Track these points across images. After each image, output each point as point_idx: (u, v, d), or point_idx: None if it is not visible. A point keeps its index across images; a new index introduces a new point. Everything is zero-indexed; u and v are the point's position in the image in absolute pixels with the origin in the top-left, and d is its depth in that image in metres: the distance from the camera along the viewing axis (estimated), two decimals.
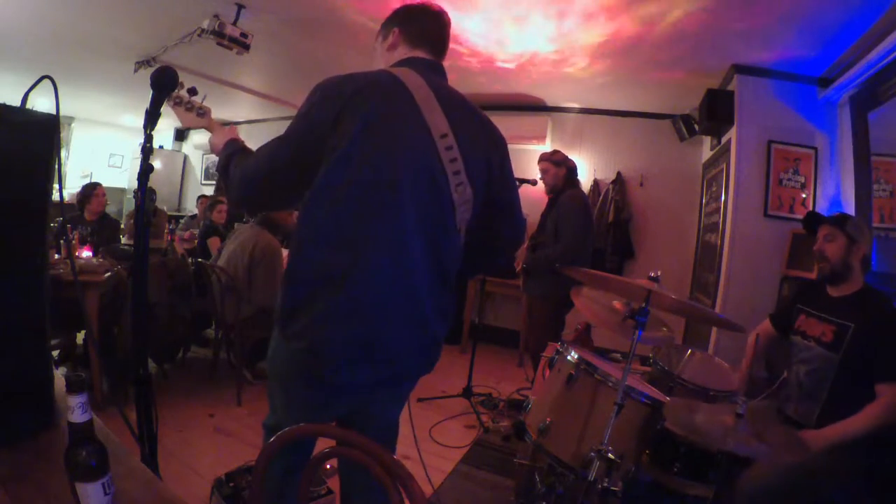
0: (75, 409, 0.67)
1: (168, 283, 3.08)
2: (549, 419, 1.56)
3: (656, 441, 1.64)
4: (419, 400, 3.18)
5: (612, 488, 1.35)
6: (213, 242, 4.12)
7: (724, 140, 3.53)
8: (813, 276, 1.81)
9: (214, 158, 1.25)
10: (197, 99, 1.32)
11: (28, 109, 0.94)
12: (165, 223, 5.01)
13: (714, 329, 3.27)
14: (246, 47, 3.29)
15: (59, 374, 1.00)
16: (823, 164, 3.07)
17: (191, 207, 7.43)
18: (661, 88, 3.88)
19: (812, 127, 3.09)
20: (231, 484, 1.66)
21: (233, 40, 3.21)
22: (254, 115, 6.51)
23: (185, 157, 8.17)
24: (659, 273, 1.50)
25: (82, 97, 6.20)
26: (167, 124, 7.89)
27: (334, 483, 1.55)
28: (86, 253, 3.08)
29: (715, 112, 3.30)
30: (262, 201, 1.20)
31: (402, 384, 1.22)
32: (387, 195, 1.01)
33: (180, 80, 1.23)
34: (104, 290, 2.61)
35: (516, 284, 3.41)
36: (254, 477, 0.80)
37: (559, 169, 2.96)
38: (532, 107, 4.80)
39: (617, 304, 1.71)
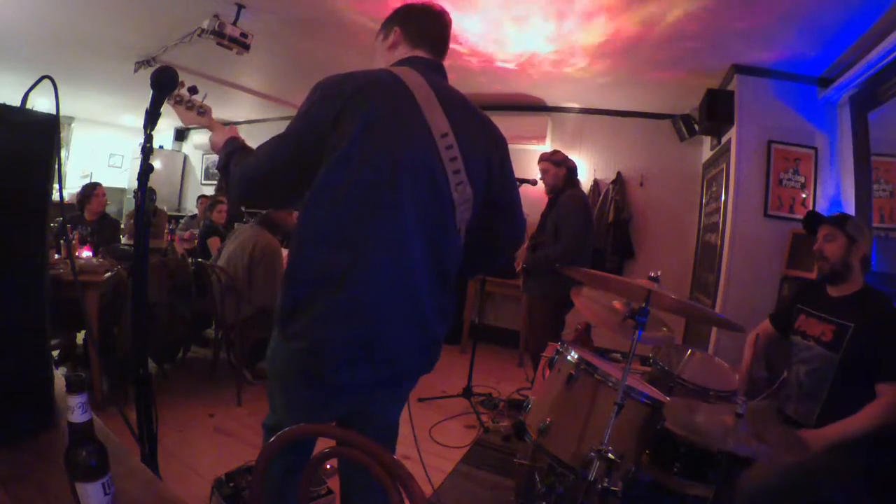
0: (75, 409, 0.67)
1: (168, 283, 3.09)
2: (549, 419, 1.56)
3: (656, 441, 1.64)
4: (419, 400, 3.18)
5: (612, 488, 1.35)
6: (213, 242, 4.12)
7: (724, 140, 3.53)
8: (813, 276, 1.81)
9: (214, 158, 1.25)
10: (197, 98, 1.32)
11: (28, 109, 0.94)
12: (165, 223, 5.01)
13: (714, 329, 3.27)
14: (246, 47, 3.29)
15: (59, 374, 1.00)
16: (823, 164, 3.07)
17: (191, 207, 7.43)
18: (661, 88, 3.88)
19: (812, 127, 3.09)
20: (231, 484, 1.66)
21: (233, 40, 3.21)
22: (254, 115, 6.52)
23: (185, 157, 8.17)
24: (659, 273, 1.50)
25: (82, 97, 6.20)
26: (167, 124, 7.89)
27: (334, 483, 1.55)
28: (86, 253, 3.08)
29: (715, 112, 3.30)
30: (261, 200, 1.21)
31: (402, 384, 1.22)
32: (387, 195, 1.01)
33: (180, 79, 1.23)
34: (104, 290, 2.61)
35: (516, 284, 3.41)
36: (254, 477, 0.80)
37: (559, 169, 2.96)
38: (532, 107, 4.80)
39: (617, 304, 1.71)
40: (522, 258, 2.94)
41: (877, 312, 1.58)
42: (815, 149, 3.07)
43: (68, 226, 3.25)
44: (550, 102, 4.73)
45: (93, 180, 4.15)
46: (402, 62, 1.16)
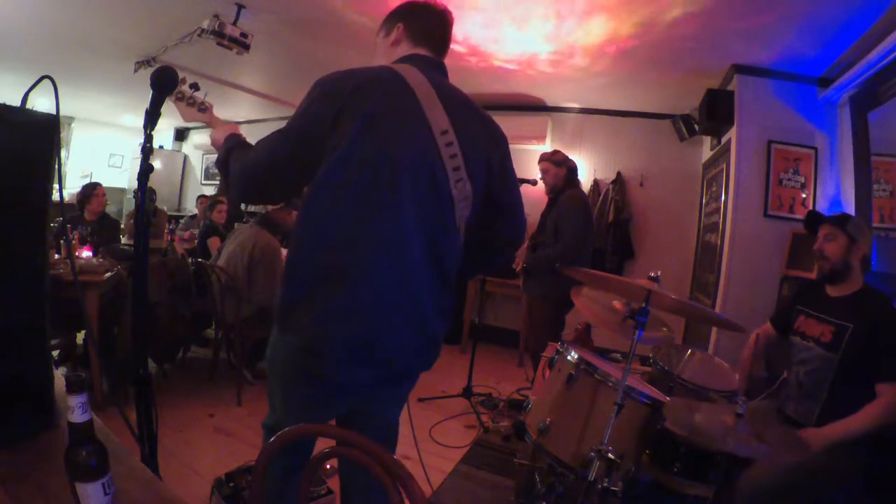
0: (75, 409, 0.67)
1: (168, 283, 3.09)
2: (549, 419, 1.56)
3: (656, 441, 1.64)
4: (419, 400, 3.18)
5: (612, 488, 1.35)
6: (213, 242, 4.12)
7: (724, 140, 3.53)
8: (813, 275, 1.81)
9: (214, 158, 1.25)
10: (199, 94, 1.32)
11: (28, 109, 0.94)
12: (165, 223, 5.01)
13: (714, 329, 3.27)
14: (246, 47, 3.29)
15: (59, 374, 1.00)
16: (823, 164, 3.07)
17: (191, 207, 7.43)
18: (661, 88, 3.88)
19: (812, 127, 3.09)
20: (231, 484, 1.66)
21: (233, 40, 3.21)
22: (254, 115, 6.52)
23: (185, 157, 8.17)
24: (659, 273, 1.50)
25: (82, 97, 6.20)
26: (167, 124, 7.90)
27: (334, 483, 1.55)
28: (86, 253, 3.08)
29: (715, 112, 3.30)
30: (261, 195, 1.20)
31: (402, 383, 1.22)
32: (387, 195, 1.00)
33: (181, 77, 1.23)
34: (104, 290, 2.61)
35: (516, 284, 3.41)
36: (254, 477, 0.80)
37: (559, 169, 2.96)
38: (532, 107, 4.80)
39: (617, 304, 1.71)
40: (522, 258, 2.94)
41: (876, 312, 1.58)
42: (815, 149, 3.07)
43: (68, 226, 3.25)
44: (550, 102, 4.73)
45: (93, 180, 4.15)
46: (403, 60, 1.16)
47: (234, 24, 3.20)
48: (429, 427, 2.84)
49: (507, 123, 1.38)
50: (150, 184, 1.15)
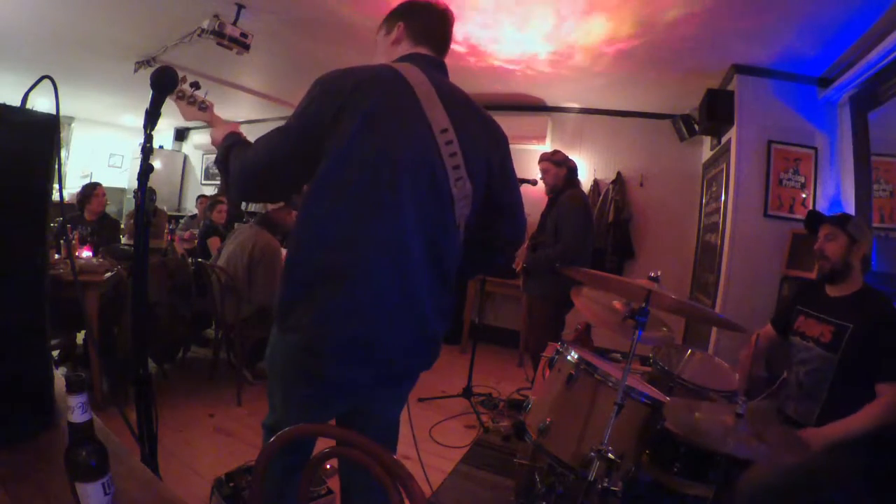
0: (75, 409, 0.67)
1: (168, 283, 3.09)
2: (549, 419, 1.56)
3: (656, 441, 1.64)
4: (419, 400, 3.18)
5: (612, 488, 1.35)
6: (213, 242, 4.12)
7: (724, 140, 3.53)
8: (813, 275, 1.81)
9: (214, 157, 1.25)
10: (200, 93, 1.32)
11: (28, 109, 0.94)
12: (165, 223, 5.01)
13: (714, 329, 3.27)
14: (246, 47, 3.29)
15: (59, 374, 1.00)
16: (823, 164, 3.07)
17: (191, 207, 7.43)
18: (661, 88, 3.88)
19: (812, 127, 3.09)
20: (231, 484, 1.66)
21: (233, 40, 3.21)
22: (254, 115, 6.52)
23: (185, 157, 8.17)
24: (659, 273, 1.49)
25: (82, 97, 6.20)
26: (167, 124, 7.90)
27: (334, 483, 1.55)
28: (86, 253, 3.08)
29: (715, 112, 3.30)
30: (260, 193, 1.20)
31: (402, 383, 1.22)
32: (387, 195, 1.00)
33: (182, 75, 1.23)
34: (104, 290, 2.61)
35: (516, 284, 3.41)
36: (254, 477, 0.80)
37: (559, 169, 2.96)
38: (532, 107, 4.80)
39: (617, 304, 1.71)
40: (522, 258, 2.94)
41: (876, 312, 1.58)
42: (815, 149, 3.07)
43: (68, 226, 3.25)
44: (550, 102, 4.73)
45: (93, 180, 4.15)
46: (403, 58, 1.16)
47: (234, 24, 3.20)
48: (429, 427, 2.84)
49: (507, 123, 1.38)
50: (150, 184, 1.15)
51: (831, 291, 1.73)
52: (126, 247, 3.57)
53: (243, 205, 3.87)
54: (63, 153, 7.18)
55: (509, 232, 1.26)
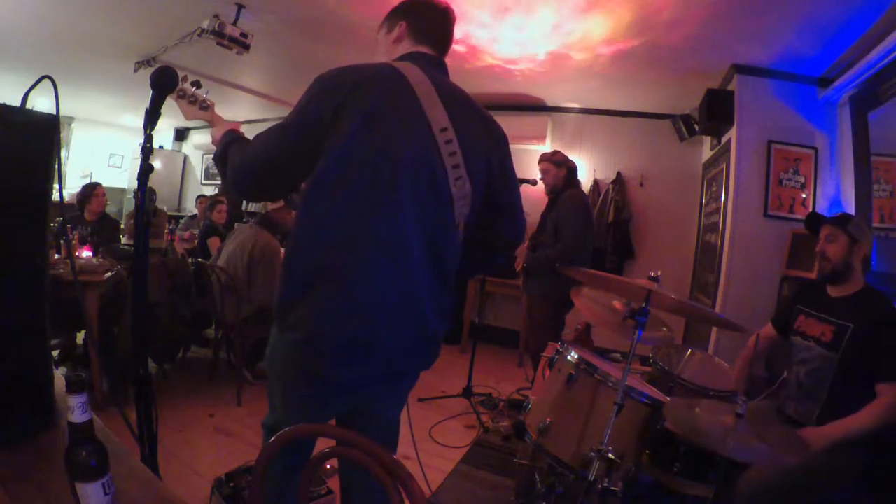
0: (75, 409, 0.67)
1: (168, 283, 3.09)
2: (549, 419, 1.56)
3: (656, 441, 1.64)
4: (419, 400, 3.18)
5: (612, 488, 1.35)
6: (213, 242, 4.12)
7: (724, 140, 3.53)
8: (813, 275, 1.81)
9: (213, 155, 1.25)
10: (200, 93, 1.32)
11: (28, 109, 0.93)
12: (165, 223, 5.01)
13: (714, 329, 3.27)
14: (246, 47, 3.29)
15: (59, 374, 1.00)
16: (823, 164, 3.07)
17: (191, 207, 7.42)
18: (661, 88, 3.88)
19: (812, 127, 3.09)
20: (231, 484, 1.66)
21: (233, 40, 3.21)
22: (254, 115, 6.52)
23: (185, 157, 8.17)
24: (659, 273, 1.49)
25: (82, 97, 6.20)
26: (167, 124, 7.90)
27: (334, 483, 1.55)
28: (86, 253, 3.08)
29: (715, 112, 3.30)
30: (259, 190, 1.19)
31: (402, 383, 1.22)
32: (387, 195, 1.00)
33: (183, 75, 1.23)
34: (104, 290, 2.61)
35: (516, 284, 3.40)
36: (254, 477, 0.80)
37: (559, 169, 2.96)
38: (532, 107, 4.80)
39: (617, 304, 1.71)
40: (522, 258, 2.94)
41: (876, 313, 1.58)
42: (815, 149, 3.07)
43: (68, 226, 3.25)
44: (550, 102, 4.73)
45: (93, 180, 4.15)
46: (404, 57, 1.16)
47: (234, 24, 3.20)
48: (429, 427, 2.84)
49: (507, 123, 1.37)
50: (150, 184, 1.15)
51: (832, 291, 1.73)
52: (126, 247, 3.57)
53: (243, 205, 3.86)
54: (63, 153, 7.18)
55: (509, 232, 1.27)
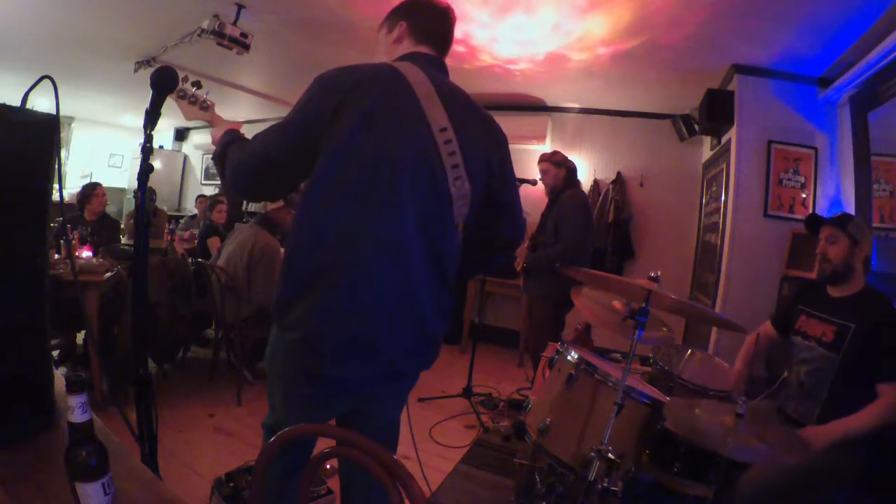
0: (75, 409, 0.67)
1: (168, 283, 3.09)
2: (549, 419, 1.56)
3: (656, 441, 1.64)
4: (419, 400, 3.18)
5: (612, 488, 1.35)
6: (213, 242, 4.12)
7: (724, 140, 3.53)
8: (813, 275, 1.81)
9: (212, 154, 1.25)
10: (201, 93, 1.32)
11: (28, 109, 0.93)
12: (165, 223, 5.01)
13: (714, 329, 3.27)
14: (246, 47, 3.29)
15: (59, 374, 1.00)
16: (823, 164, 3.07)
17: (191, 207, 7.42)
18: (661, 88, 3.88)
19: (812, 127, 3.09)
20: (231, 484, 1.66)
21: (233, 40, 3.21)
22: (254, 115, 6.52)
23: (185, 157, 8.17)
24: (659, 273, 1.49)
25: (82, 97, 6.20)
26: (167, 124, 7.90)
27: (334, 483, 1.55)
28: (86, 253, 3.08)
29: (715, 112, 3.30)
30: (258, 189, 1.18)
31: (402, 383, 1.22)
32: (387, 195, 1.00)
33: (183, 75, 1.23)
34: (104, 290, 2.61)
35: (516, 284, 3.41)
36: (254, 477, 0.80)
37: (559, 170, 2.96)
38: (532, 107, 4.80)
39: (617, 304, 1.71)
40: (522, 258, 2.94)
41: (877, 313, 1.58)
42: (815, 149, 3.07)
43: (68, 226, 3.25)
44: (550, 102, 4.73)
45: (93, 180, 4.15)
46: (404, 57, 1.16)
47: (234, 24, 3.20)
48: (429, 427, 2.84)
49: (507, 123, 1.38)
50: (150, 184, 1.15)
51: (833, 292, 1.73)
52: (126, 247, 3.58)
53: (243, 205, 3.87)
54: (63, 153, 7.18)
55: (509, 232, 1.27)
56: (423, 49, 1.19)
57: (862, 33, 2.48)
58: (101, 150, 7.91)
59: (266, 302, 2.93)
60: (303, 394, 1.11)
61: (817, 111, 3.09)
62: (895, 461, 1.48)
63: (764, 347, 1.98)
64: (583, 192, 3.08)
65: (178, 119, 1.56)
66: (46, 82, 0.96)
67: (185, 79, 1.27)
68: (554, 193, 2.97)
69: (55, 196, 0.99)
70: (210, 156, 7.63)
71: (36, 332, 0.92)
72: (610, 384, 1.52)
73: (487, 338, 4.71)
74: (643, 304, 1.47)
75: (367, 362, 1.04)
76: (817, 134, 3.08)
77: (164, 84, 1.15)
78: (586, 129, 4.75)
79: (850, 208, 2.78)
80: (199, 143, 7.93)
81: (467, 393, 3.28)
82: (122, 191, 7.66)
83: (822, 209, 3.03)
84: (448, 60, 1.23)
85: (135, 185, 1.27)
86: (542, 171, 3.02)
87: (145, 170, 1.12)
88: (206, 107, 1.32)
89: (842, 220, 1.71)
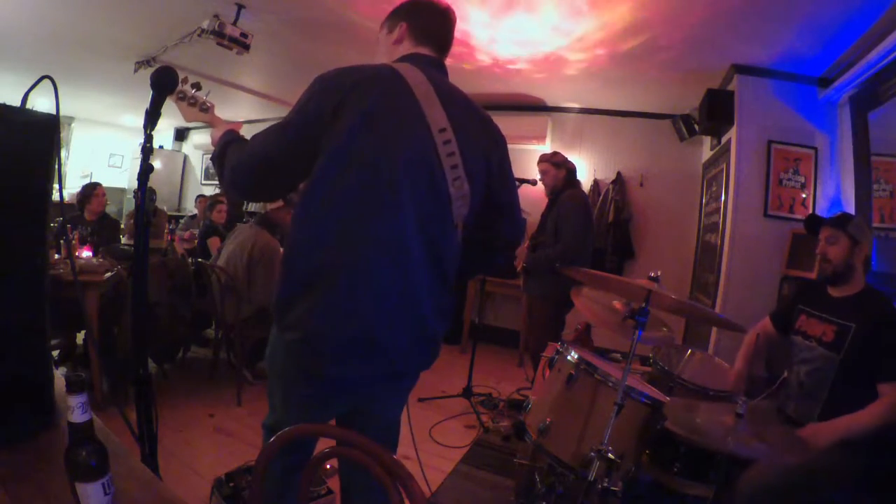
0: (75, 409, 0.67)
1: (168, 283, 3.09)
2: (549, 419, 1.56)
3: (656, 441, 1.64)
4: (419, 400, 3.18)
5: (612, 488, 1.35)
6: (213, 242, 4.12)
7: (724, 140, 3.53)
8: (813, 275, 1.81)
9: (211, 154, 1.25)
10: (200, 94, 1.32)
11: (28, 109, 0.94)
12: (165, 223, 5.01)
13: (714, 329, 3.27)
14: (246, 47, 3.29)
15: (59, 374, 1.00)
16: (823, 164, 3.07)
17: (191, 207, 7.42)
18: (661, 88, 3.88)
19: (812, 127, 3.09)
20: (231, 484, 1.66)
21: (233, 40, 3.21)
22: (254, 115, 6.52)
23: (185, 157, 8.17)
24: (659, 273, 1.49)
25: (82, 97, 6.20)
26: (167, 124, 7.90)
27: (334, 483, 1.55)
28: (86, 253, 3.08)
29: (715, 112, 3.30)
30: (257, 190, 1.18)
31: (402, 383, 1.22)
32: (386, 195, 1.00)
33: (183, 76, 1.23)
34: (104, 290, 2.61)
35: (516, 284, 3.41)
36: (254, 477, 0.80)
37: (559, 170, 2.96)
38: (532, 107, 4.80)
39: (617, 304, 1.71)
40: (522, 258, 2.94)
41: (878, 313, 1.58)
42: (815, 149, 3.07)
43: (68, 226, 3.25)
44: (550, 102, 4.73)
45: (93, 180, 4.15)
46: (404, 58, 1.16)
47: (234, 24, 3.20)
48: (429, 427, 2.84)
49: (507, 123, 1.38)
50: (150, 184, 1.15)
51: (833, 292, 1.73)
52: (126, 247, 3.57)
53: (243, 205, 3.87)
54: (63, 153, 7.18)
55: (509, 232, 1.27)
56: (424, 50, 1.19)
57: (862, 33, 2.48)
58: (101, 150, 7.91)
59: (266, 302, 2.93)
60: (303, 394, 1.11)
61: (817, 111, 3.09)
62: (895, 461, 1.48)
63: (764, 346, 1.98)
64: (583, 192, 3.08)
65: (178, 119, 1.56)
66: (46, 82, 0.96)
67: (185, 80, 1.27)
68: (554, 194, 2.97)
69: (55, 196, 0.99)
70: (210, 156, 7.64)
71: (36, 332, 0.92)
72: (610, 384, 1.52)
73: (487, 338, 4.71)
74: (643, 304, 1.47)
75: (367, 362, 1.04)
76: (817, 134, 3.08)
77: (164, 84, 1.15)
78: (586, 129, 4.75)
79: (850, 208, 2.78)
80: (199, 144, 7.93)
81: (467, 393, 3.28)
82: (122, 191, 7.66)
83: (822, 209, 3.03)
84: (448, 60, 1.23)
85: (135, 185, 1.27)
86: (542, 172, 3.02)
87: (145, 170, 1.12)
88: (205, 108, 1.32)
89: (842, 221, 1.71)
